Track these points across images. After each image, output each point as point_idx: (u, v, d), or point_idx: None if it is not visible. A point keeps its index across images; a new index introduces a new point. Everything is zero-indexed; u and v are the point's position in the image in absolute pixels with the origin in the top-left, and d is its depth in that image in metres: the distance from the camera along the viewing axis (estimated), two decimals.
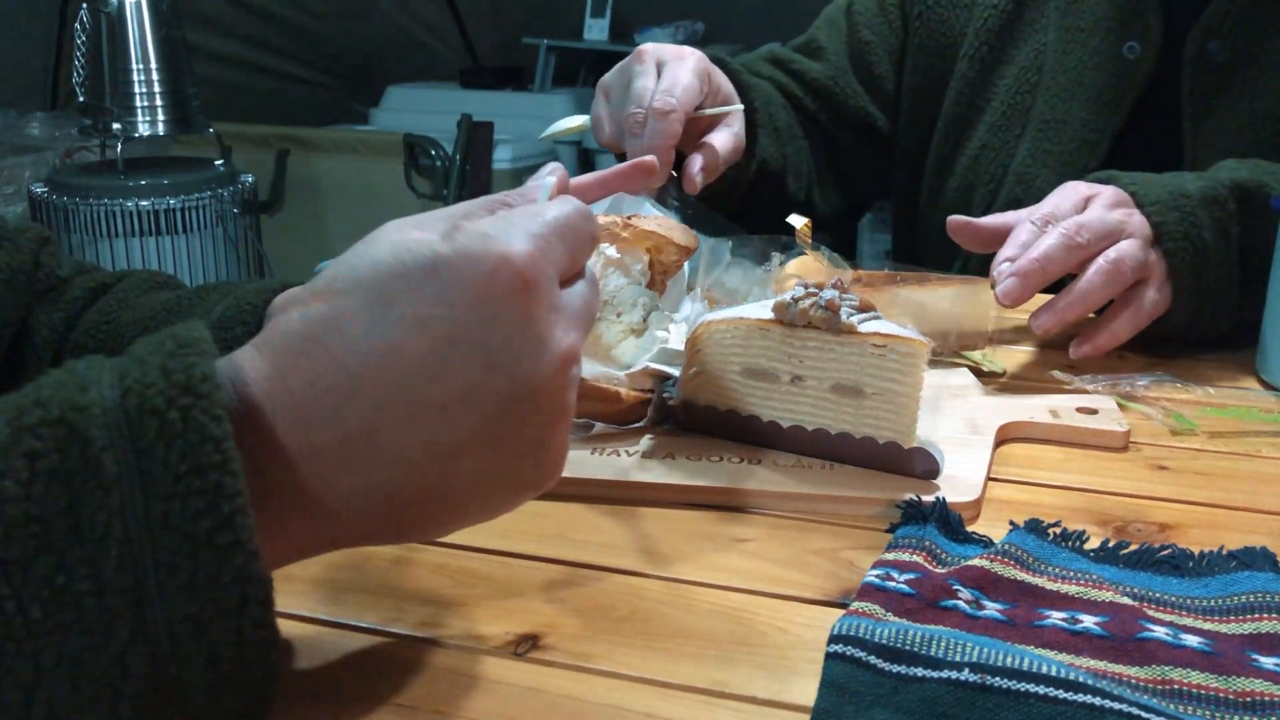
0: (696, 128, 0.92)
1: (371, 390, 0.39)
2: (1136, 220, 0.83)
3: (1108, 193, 0.85)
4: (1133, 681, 0.46)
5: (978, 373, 0.81)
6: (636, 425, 0.70)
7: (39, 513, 0.34)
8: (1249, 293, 0.86)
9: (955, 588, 0.51)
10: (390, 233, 0.42)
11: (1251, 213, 0.86)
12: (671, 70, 0.90)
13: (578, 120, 0.93)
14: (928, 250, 1.25)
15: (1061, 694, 0.43)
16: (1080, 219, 0.81)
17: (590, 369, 0.69)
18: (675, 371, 0.70)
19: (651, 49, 0.93)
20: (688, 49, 0.94)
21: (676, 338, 0.72)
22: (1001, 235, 0.83)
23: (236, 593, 0.36)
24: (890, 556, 0.54)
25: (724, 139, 0.93)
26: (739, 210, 1.09)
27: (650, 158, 0.83)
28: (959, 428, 0.70)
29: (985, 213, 1.18)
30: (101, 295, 0.74)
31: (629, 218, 0.72)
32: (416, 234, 0.41)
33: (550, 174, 0.51)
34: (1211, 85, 1.05)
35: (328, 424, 0.39)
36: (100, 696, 0.35)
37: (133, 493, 0.35)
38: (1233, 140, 1.04)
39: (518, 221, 0.42)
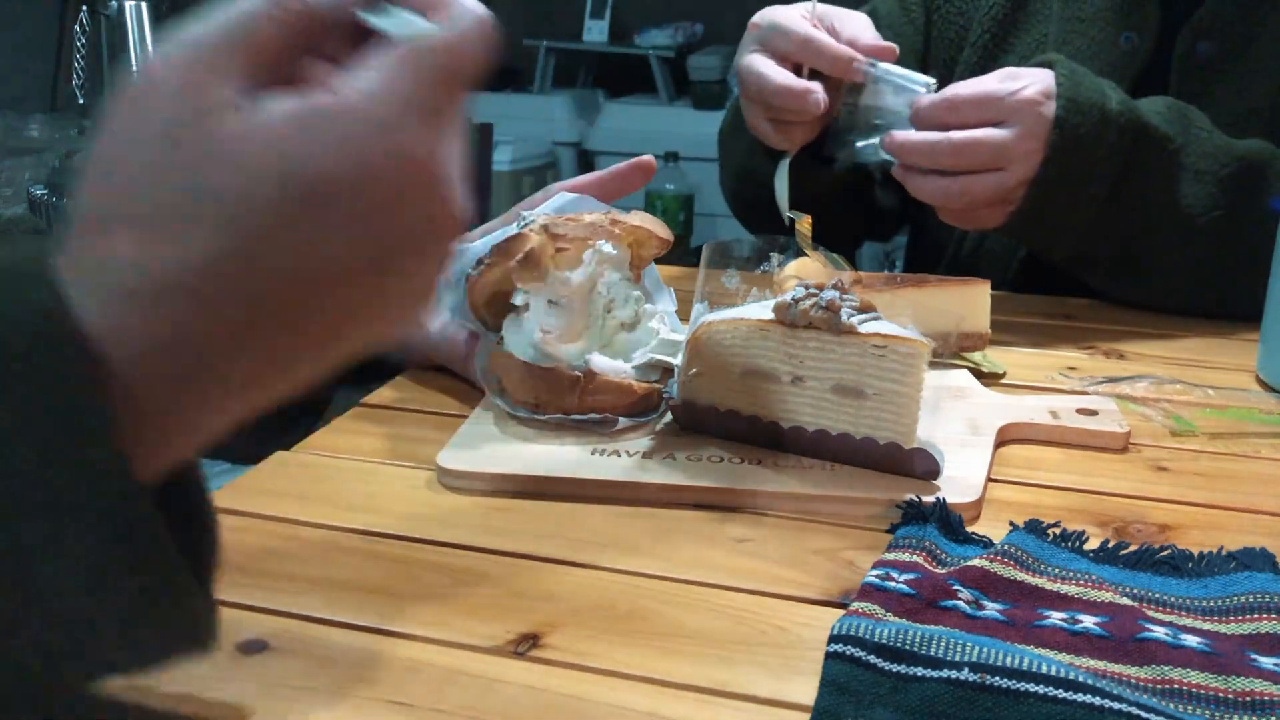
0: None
1: (260, 332, 0.33)
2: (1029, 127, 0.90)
3: (1032, 89, 0.91)
4: (1132, 681, 0.46)
5: (978, 374, 0.81)
6: (650, 417, 0.71)
7: None
8: (1108, 219, 0.95)
9: (955, 588, 0.51)
10: (230, 141, 0.32)
11: (1142, 151, 0.94)
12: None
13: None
14: (936, 236, 1.26)
15: (1061, 693, 0.43)
16: (970, 137, 0.89)
17: (600, 364, 0.70)
18: (675, 361, 0.70)
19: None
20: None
21: (666, 329, 0.73)
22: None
23: (120, 517, 0.31)
24: (890, 557, 0.54)
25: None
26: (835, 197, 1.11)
27: (649, 156, 0.83)
28: (959, 429, 0.70)
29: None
30: None
31: (610, 214, 0.73)
32: (268, 149, 0.32)
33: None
34: (1198, 84, 1.06)
35: (204, 367, 0.33)
36: None
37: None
38: None
39: (394, 94, 0.34)
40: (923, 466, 0.63)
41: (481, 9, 0.37)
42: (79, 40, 2.30)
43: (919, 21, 1.24)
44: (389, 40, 0.36)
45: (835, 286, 0.64)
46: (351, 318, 0.35)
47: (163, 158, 0.32)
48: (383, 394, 0.78)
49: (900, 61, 1.24)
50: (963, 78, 1.19)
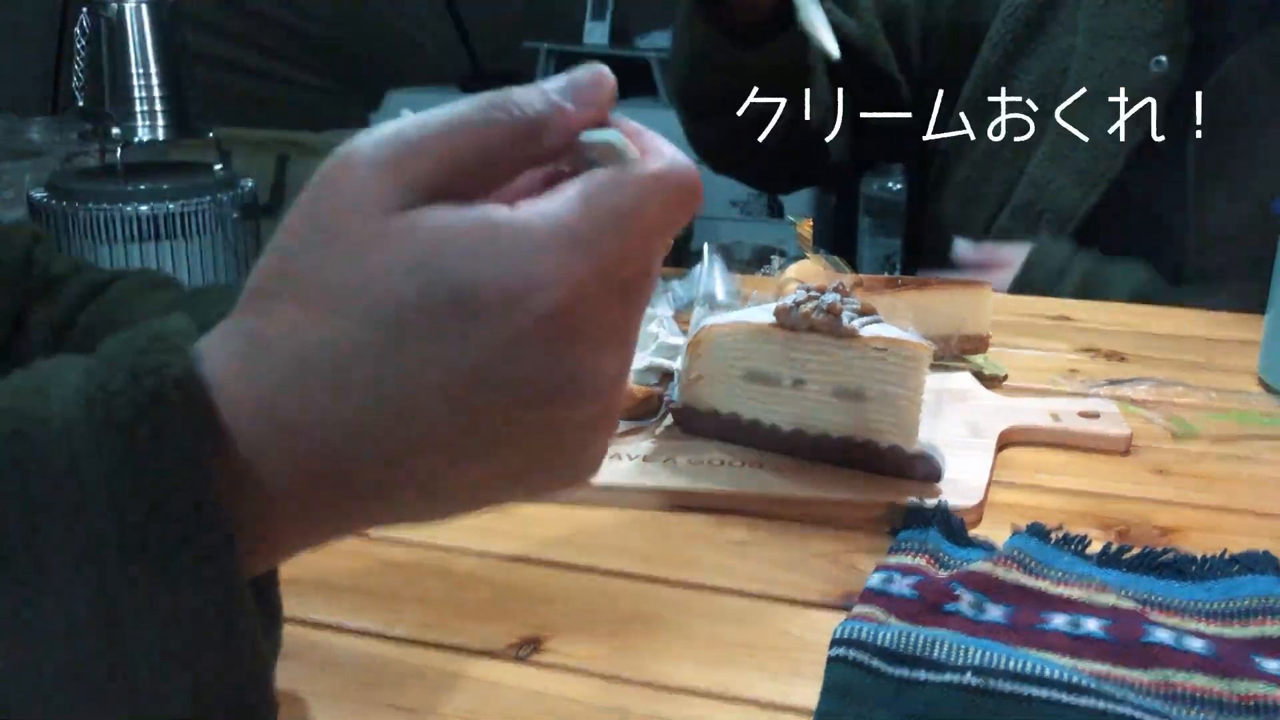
0: None
1: (382, 428, 0.33)
2: None
3: None
4: (1135, 685, 0.46)
5: (979, 376, 0.81)
6: (650, 420, 0.71)
7: None
8: None
9: (957, 591, 0.51)
10: (395, 233, 0.33)
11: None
12: None
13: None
14: (935, 235, 1.24)
15: (1064, 697, 0.43)
16: None
17: None
18: (675, 365, 0.70)
19: None
20: None
21: (665, 333, 0.73)
22: None
23: (222, 628, 0.31)
24: (892, 560, 0.54)
25: None
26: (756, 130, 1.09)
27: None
28: (961, 431, 0.70)
29: (996, 213, 1.19)
30: (99, 294, 0.73)
31: None
32: (430, 248, 0.32)
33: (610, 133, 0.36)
34: (1225, 138, 1.04)
35: (327, 457, 0.33)
36: None
37: (104, 522, 0.30)
38: (1237, 188, 1.03)
39: (561, 223, 0.33)
40: (924, 469, 0.63)
41: (685, 162, 0.35)
42: (79, 43, 2.30)
43: None
44: (590, 169, 0.35)
45: (836, 289, 0.64)
46: (480, 451, 0.35)
47: (331, 242, 0.33)
48: None
49: (906, 32, 1.20)
50: (982, 79, 1.16)
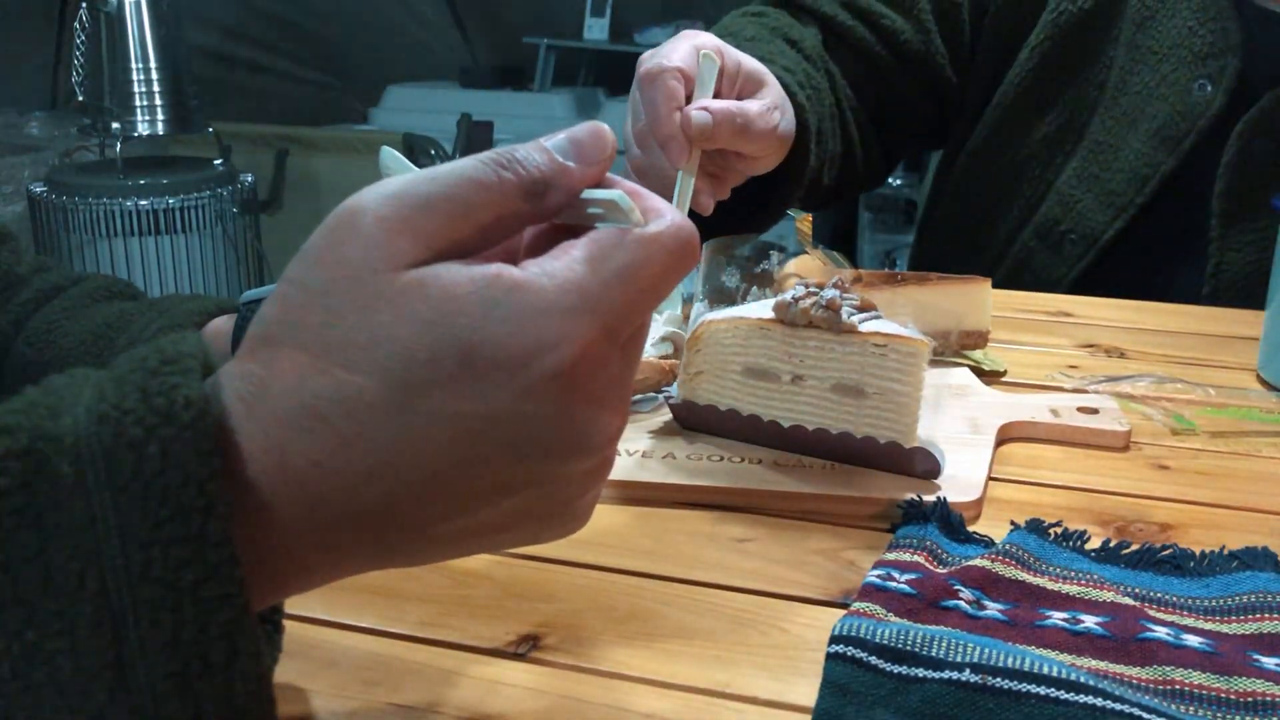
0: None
1: (389, 478, 0.34)
2: None
3: None
4: (1134, 682, 0.46)
5: (979, 372, 0.81)
6: (658, 396, 0.72)
7: (4, 559, 0.30)
8: None
9: (956, 588, 0.51)
10: (406, 291, 0.33)
11: None
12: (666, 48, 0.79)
13: None
14: (951, 244, 1.21)
15: (1063, 694, 0.43)
16: None
17: None
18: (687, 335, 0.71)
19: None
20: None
21: (662, 317, 0.73)
22: None
23: (225, 648, 0.32)
24: (891, 556, 0.54)
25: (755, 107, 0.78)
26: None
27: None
28: (960, 427, 0.70)
29: (1018, 229, 1.13)
30: (53, 298, 0.71)
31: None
32: (442, 306, 0.33)
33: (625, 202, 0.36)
34: (1248, 181, 1.01)
35: (333, 504, 0.34)
36: None
37: (109, 539, 0.31)
38: (1258, 234, 1.00)
39: (570, 285, 0.34)
40: (923, 465, 0.63)
41: (684, 221, 0.37)
42: (79, 38, 2.30)
43: None
44: (592, 228, 0.36)
45: (836, 285, 0.64)
46: (481, 500, 0.35)
47: (340, 296, 0.33)
48: None
49: (962, 26, 1.10)
50: (1017, 85, 1.10)
